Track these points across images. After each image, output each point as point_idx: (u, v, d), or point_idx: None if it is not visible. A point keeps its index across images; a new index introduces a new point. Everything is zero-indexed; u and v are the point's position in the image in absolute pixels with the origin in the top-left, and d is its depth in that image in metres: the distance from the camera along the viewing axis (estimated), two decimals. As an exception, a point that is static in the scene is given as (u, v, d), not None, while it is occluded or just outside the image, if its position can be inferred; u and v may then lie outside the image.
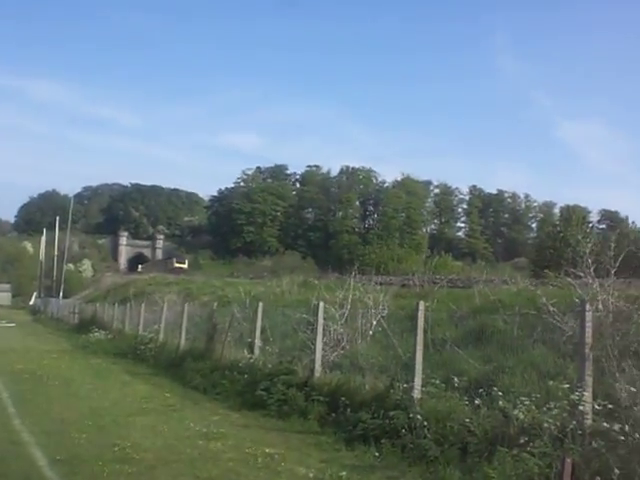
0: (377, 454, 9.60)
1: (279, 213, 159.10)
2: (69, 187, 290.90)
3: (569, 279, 11.26)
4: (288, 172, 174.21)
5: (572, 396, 7.75)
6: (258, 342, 17.26)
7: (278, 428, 12.01)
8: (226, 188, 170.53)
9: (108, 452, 9.61)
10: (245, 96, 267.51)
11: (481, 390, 9.74)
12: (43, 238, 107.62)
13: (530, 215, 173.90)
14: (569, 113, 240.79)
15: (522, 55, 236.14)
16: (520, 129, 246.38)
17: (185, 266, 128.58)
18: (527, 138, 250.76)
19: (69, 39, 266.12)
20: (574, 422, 7.41)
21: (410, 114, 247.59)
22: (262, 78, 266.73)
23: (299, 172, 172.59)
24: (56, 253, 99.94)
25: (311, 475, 8.67)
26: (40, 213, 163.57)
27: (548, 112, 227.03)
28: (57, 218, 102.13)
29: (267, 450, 9.99)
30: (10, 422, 11.93)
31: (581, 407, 7.59)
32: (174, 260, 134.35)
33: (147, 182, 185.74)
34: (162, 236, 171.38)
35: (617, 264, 10.30)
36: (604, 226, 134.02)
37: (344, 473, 8.67)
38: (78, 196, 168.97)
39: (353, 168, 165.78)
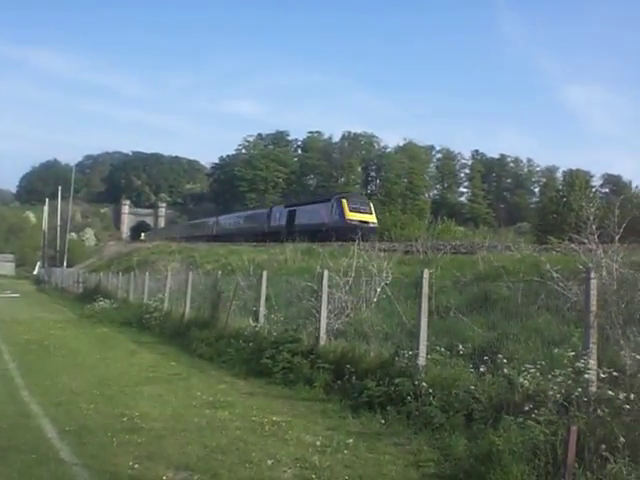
0: (383, 421, 9.68)
1: (281, 180, 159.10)
2: (70, 156, 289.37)
3: (573, 245, 11.23)
4: (290, 138, 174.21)
5: (577, 363, 7.77)
6: (263, 310, 17.30)
7: (284, 396, 12.10)
8: (227, 155, 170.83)
9: (117, 422, 9.71)
10: (246, 62, 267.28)
11: (486, 357, 9.77)
12: (45, 208, 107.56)
13: (533, 180, 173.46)
14: (573, 76, 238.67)
15: (526, 18, 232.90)
16: (523, 93, 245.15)
17: None
18: (530, 102, 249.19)
19: (69, 7, 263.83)
20: (579, 390, 7.43)
21: (413, 79, 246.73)
22: (263, 43, 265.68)
23: (300, 138, 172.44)
24: (59, 223, 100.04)
25: (318, 443, 8.74)
26: (42, 183, 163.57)
27: (552, 75, 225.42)
28: (59, 188, 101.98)
29: (274, 418, 10.09)
30: (18, 393, 11.99)
31: (586, 375, 7.61)
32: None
33: (148, 150, 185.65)
34: (164, 204, 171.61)
35: (621, 230, 10.27)
36: (607, 190, 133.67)
37: (350, 440, 8.75)
38: (79, 165, 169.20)
39: (355, 134, 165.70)
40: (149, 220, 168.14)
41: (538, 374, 8.19)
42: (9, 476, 7.06)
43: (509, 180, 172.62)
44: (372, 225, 48.49)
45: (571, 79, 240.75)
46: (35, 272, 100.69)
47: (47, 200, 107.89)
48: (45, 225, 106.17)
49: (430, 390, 9.57)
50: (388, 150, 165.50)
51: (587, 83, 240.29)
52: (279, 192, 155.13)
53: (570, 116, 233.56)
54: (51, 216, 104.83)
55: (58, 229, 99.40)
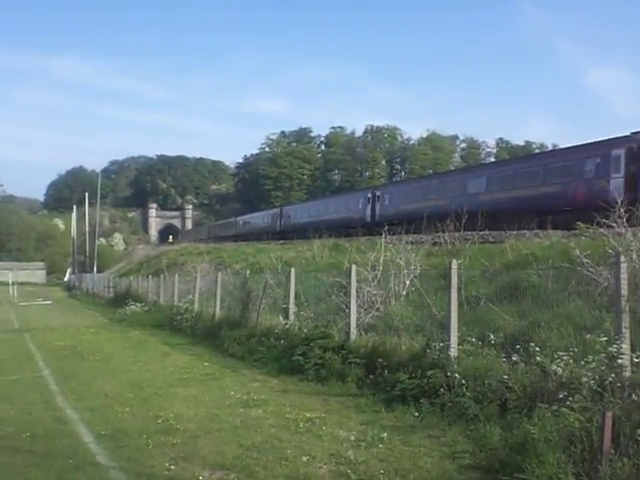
0: (417, 414, 9.64)
1: (305, 176, 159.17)
2: (96, 163, 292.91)
3: (601, 230, 11.15)
4: (312, 135, 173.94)
5: (610, 349, 7.70)
6: (292, 307, 17.34)
7: (317, 392, 12.11)
8: (251, 154, 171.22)
9: (152, 424, 9.77)
10: (265, 61, 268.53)
11: (518, 346, 9.71)
12: (74, 215, 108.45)
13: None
14: (596, 60, 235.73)
15: (545, 3, 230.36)
16: (546, 78, 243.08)
17: None
18: (554, 87, 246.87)
19: (88, 13, 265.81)
20: (613, 375, 7.36)
21: (434, 70, 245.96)
22: (281, 42, 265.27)
23: (323, 134, 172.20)
24: (87, 229, 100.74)
25: (352, 438, 8.74)
26: (69, 190, 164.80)
27: (574, 60, 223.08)
28: (86, 194, 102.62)
29: (307, 415, 10.10)
30: (53, 400, 12.11)
31: (619, 360, 7.53)
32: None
33: (172, 153, 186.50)
34: (191, 206, 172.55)
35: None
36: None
37: (385, 434, 8.74)
38: (105, 171, 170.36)
39: (377, 127, 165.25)
40: (176, 222, 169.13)
41: (571, 361, 8.11)
42: (48, 482, 7.14)
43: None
44: None
45: (596, 62, 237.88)
46: (66, 279, 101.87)
47: (75, 207, 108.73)
48: (74, 232, 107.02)
49: (463, 381, 9.52)
50: (412, 142, 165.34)
51: (612, 65, 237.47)
52: (304, 189, 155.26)
53: (596, 100, 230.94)
54: (79, 222, 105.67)
55: (87, 235, 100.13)
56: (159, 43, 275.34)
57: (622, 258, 8.20)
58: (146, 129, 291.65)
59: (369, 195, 54.29)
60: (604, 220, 10.90)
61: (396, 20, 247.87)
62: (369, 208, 52.52)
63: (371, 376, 11.81)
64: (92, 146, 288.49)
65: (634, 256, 9.02)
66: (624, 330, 7.87)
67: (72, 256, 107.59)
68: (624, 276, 8.09)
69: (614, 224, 10.30)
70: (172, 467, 7.58)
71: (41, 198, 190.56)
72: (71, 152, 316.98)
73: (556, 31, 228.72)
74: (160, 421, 9.94)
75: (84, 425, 9.93)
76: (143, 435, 9.03)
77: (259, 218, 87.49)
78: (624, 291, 8.02)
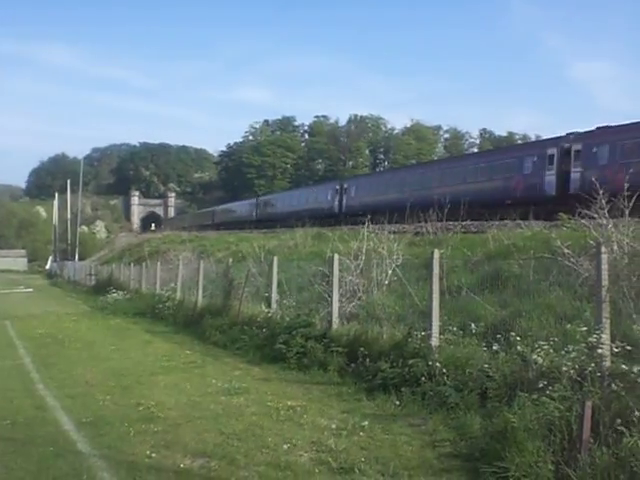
0: (398, 402, 9.67)
1: (289, 165, 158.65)
2: (78, 150, 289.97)
3: (583, 220, 11.19)
4: (296, 123, 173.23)
5: (590, 339, 7.74)
6: (275, 296, 17.35)
7: (298, 380, 12.12)
8: (235, 143, 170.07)
9: (133, 412, 9.77)
10: (250, 50, 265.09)
11: (499, 335, 9.78)
12: (55, 202, 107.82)
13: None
14: (580, 53, 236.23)
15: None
16: (531, 70, 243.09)
17: None
18: (538, 79, 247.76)
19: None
20: (593, 365, 7.41)
21: (419, 60, 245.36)
22: (267, 29, 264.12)
23: (307, 123, 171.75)
24: (69, 216, 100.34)
25: (333, 426, 8.76)
26: (51, 177, 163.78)
27: (559, 53, 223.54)
28: (68, 181, 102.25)
29: (289, 403, 10.12)
30: (34, 387, 12.09)
31: (599, 349, 7.58)
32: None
33: (155, 141, 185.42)
34: (173, 194, 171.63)
35: (632, 203, 10.22)
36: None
37: (366, 423, 8.76)
38: (88, 158, 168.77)
39: (361, 116, 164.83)
40: (159, 210, 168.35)
41: (551, 350, 8.16)
42: (27, 469, 7.11)
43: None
44: None
45: (579, 56, 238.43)
46: (47, 266, 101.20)
47: (57, 194, 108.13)
48: (56, 219, 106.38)
49: (444, 370, 9.57)
50: (395, 132, 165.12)
51: (595, 60, 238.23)
52: (287, 178, 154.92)
53: (578, 92, 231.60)
54: (61, 210, 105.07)
55: (69, 223, 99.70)
56: (144, 31, 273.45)
57: (603, 249, 8.24)
58: (129, 116, 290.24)
59: (337, 187, 57.21)
60: (586, 211, 10.92)
61: (382, 11, 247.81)
62: (337, 200, 55.14)
63: (353, 365, 11.83)
64: (75, 133, 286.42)
65: (615, 247, 9.05)
66: (604, 320, 7.92)
67: (54, 244, 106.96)
68: (605, 267, 8.13)
69: (595, 215, 10.32)
70: (153, 455, 7.57)
71: (23, 185, 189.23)
72: (53, 139, 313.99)
73: (541, 24, 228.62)
74: (141, 409, 9.94)
75: (65, 413, 9.91)
76: (124, 423, 9.02)
77: (237, 207, 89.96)
78: (605, 281, 8.06)
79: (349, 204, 53.24)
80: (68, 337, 19.10)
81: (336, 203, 55.43)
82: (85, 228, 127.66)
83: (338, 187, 56.81)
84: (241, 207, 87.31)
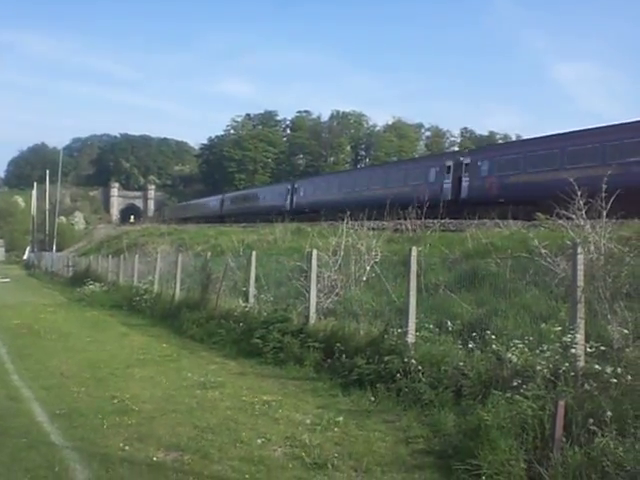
0: (373, 399, 9.70)
1: (270, 160, 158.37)
2: (58, 140, 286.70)
3: (560, 221, 11.25)
4: (278, 118, 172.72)
5: (564, 338, 7.81)
6: (253, 290, 17.34)
7: (274, 375, 12.13)
8: (216, 136, 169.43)
9: (107, 405, 9.72)
10: (234, 43, 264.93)
11: (474, 333, 9.83)
12: (34, 192, 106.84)
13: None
14: (563, 54, 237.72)
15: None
16: (513, 70, 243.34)
17: None
18: (520, 79, 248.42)
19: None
20: (567, 364, 7.47)
21: (402, 58, 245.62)
22: (251, 24, 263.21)
23: (289, 118, 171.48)
24: (47, 207, 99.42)
25: (308, 421, 8.78)
26: (30, 167, 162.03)
27: (541, 53, 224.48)
28: (47, 171, 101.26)
29: (264, 397, 10.13)
30: (8, 378, 12.01)
31: (573, 349, 7.65)
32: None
33: (136, 132, 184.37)
34: (153, 186, 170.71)
35: (609, 205, 10.28)
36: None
37: (341, 418, 8.79)
38: (67, 148, 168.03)
39: (344, 113, 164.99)
40: (138, 203, 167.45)
41: (526, 349, 8.22)
42: (0, 460, 7.06)
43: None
44: None
45: (561, 57, 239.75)
46: (25, 257, 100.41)
47: (35, 184, 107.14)
48: (34, 209, 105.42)
49: (419, 367, 9.59)
50: (377, 129, 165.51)
51: (578, 61, 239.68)
52: (268, 172, 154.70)
53: (559, 94, 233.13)
54: (40, 200, 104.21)
55: (47, 213, 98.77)
56: (125, 22, 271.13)
57: (579, 249, 8.31)
58: (110, 107, 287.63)
59: (289, 187, 63.39)
60: (563, 212, 10.97)
61: (365, 8, 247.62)
62: (289, 198, 60.85)
63: (329, 360, 11.86)
64: (55, 123, 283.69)
65: (592, 247, 9.10)
66: (579, 320, 7.98)
67: (32, 234, 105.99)
68: (581, 267, 8.20)
69: (573, 216, 10.37)
70: (126, 447, 7.55)
71: (1, 174, 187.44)
72: (33, 128, 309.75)
73: (523, 23, 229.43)
74: (116, 401, 9.90)
75: (39, 404, 9.86)
76: (98, 415, 8.98)
77: (207, 202, 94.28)
78: (580, 282, 8.13)
79: (298, 202, 59.18)
80: (44, 328, 18.95)
81: (288, 201, 61.03)
82: (64, 219, 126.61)
83: (290, 187, 62.95)
84: (209, 202, 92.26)
